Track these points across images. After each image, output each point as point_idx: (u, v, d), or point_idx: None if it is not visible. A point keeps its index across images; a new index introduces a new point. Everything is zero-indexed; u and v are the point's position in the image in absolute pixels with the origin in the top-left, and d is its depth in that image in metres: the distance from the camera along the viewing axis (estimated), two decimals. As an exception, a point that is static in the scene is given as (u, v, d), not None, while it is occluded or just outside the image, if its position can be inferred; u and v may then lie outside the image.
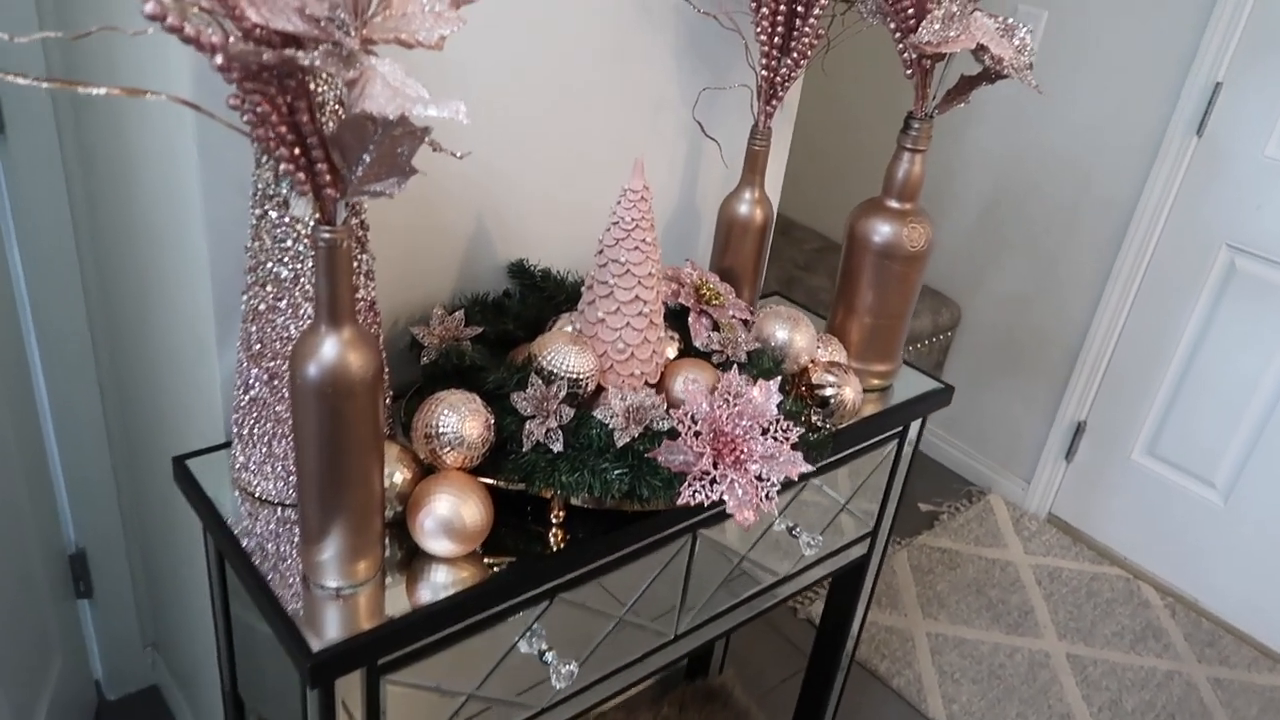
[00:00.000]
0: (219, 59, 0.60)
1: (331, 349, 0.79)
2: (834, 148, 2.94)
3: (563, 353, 1.03)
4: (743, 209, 1.32)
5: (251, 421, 0.97)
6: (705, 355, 1.20)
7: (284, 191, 0.84)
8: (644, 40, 1.25)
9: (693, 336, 1.21)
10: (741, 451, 0.99)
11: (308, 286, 0.91)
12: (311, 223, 0.74)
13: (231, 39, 0.61)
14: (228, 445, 1.06)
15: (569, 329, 1.12)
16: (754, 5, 1.21)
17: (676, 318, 1.23)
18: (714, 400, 1.00)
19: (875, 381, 1.37)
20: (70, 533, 1.61)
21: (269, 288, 0.91)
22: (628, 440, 0.98)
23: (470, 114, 1.14)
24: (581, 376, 1.03)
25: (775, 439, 1.00)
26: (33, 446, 1.47)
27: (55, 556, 1.58)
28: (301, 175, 0.71)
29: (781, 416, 1.01)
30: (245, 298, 0.93)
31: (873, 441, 1.36)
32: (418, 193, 1.13)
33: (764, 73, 1.24)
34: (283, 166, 0.70)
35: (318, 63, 0.62)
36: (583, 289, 1.10)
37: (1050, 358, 2.58)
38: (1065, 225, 2.47)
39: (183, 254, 1.07)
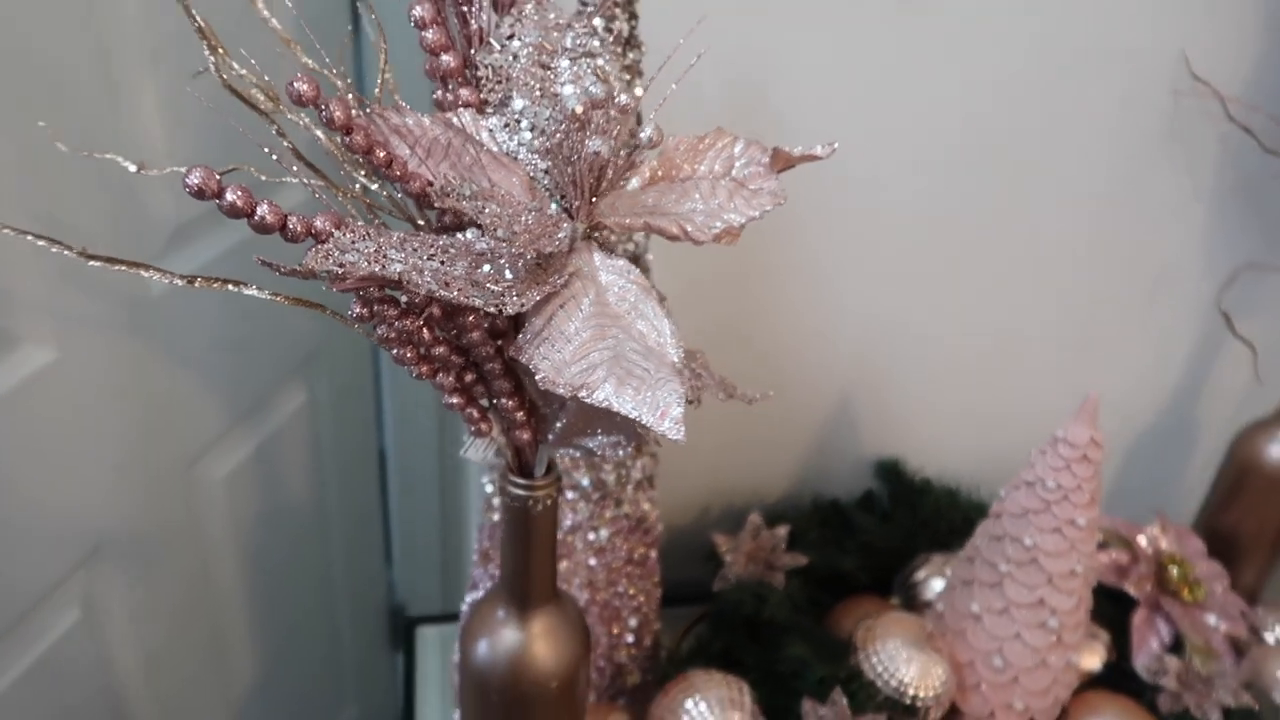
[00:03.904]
0: (307, 260, 0.36)
1: (511, 640, 0.54)
2: None
3: (897, 657, 0.67)
4: (1273, 452, 0.84)
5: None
6: (1144, 686, 0.76)
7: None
8: (1154, 175, 0.82)
9: (1133, 650, 0.77)
10: None
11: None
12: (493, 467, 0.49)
13: (336, 231, 0.37)
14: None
15: (926, 614, 0.74)
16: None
17: (1110, 602, 0.80)
18: None
19: None
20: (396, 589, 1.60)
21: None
22: None
23: (841, 240, 0.81)
24: (918, 700, 0.67)
25: None
26: (374, 515, 1.47)
27: (378, 610, 1.58)
28: (474, 412, 0.46)
29: None
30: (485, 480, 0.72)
31: None
32: (761, 346, 0.84)
33: (1363, 256, 0.76)
34: (444, 399, 0.45)
35: (457, 291, 0.35)
36: (957, 558, 0.73)
37: None
38: None
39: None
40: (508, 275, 0.38)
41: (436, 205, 0.36)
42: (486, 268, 0.38)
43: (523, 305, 0.37)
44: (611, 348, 0.38)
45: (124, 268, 0.39)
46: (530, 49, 0.45)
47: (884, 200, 0.79)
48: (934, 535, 0.86)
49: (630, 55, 0.57)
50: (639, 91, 0.58)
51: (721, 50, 0.71)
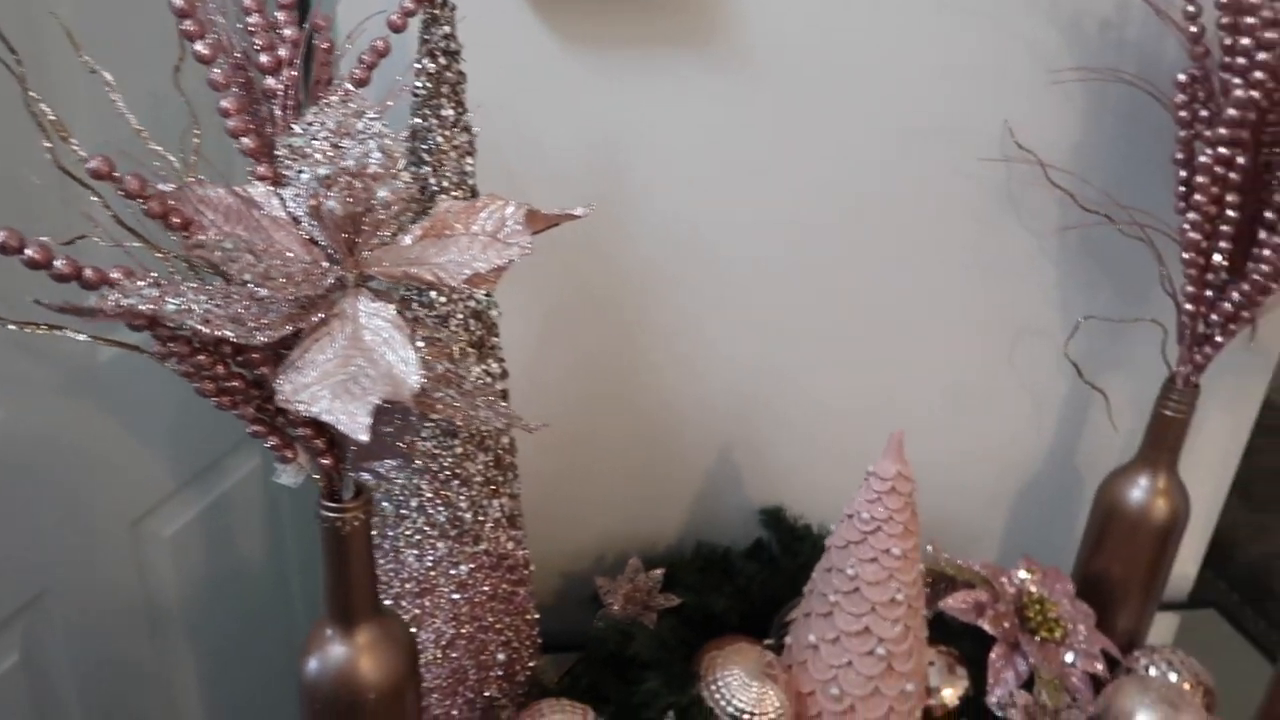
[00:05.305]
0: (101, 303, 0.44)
1: (336, 655, 0.60)
2: None
3: (735, 685, 0.72)
4: (1134, 496, 0.88)
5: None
6: (1000, 721, 0.79)
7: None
8: (1007, 238, 0.89)
9: (989, 685, 0.80)
10: None
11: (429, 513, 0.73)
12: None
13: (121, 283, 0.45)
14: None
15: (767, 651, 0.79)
16: (1182, 202, 0.79)
17: (977, 642, 0.83)
18: None
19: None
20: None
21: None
22: None
23: (718, 302, 0.88)
24: (757, 727, 0.71)
25: None
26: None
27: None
28: (277, 440, 0.53)
29: None
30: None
31: None
32: (644, 406, 0.91)
33: (1189, 306, 0.81)
34: (247, 428, 0.53)
35: (214, 327, 0.43)
36: (804, 591, 0.78)
37: None
38: None
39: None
40: (270, 315, 0.46)
41: (190, 255, 0.44)
42: (255, 308, 0.46)
43: (270, 338, 0.44)
44: (351, 374, 0.45)
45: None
46: (328, 132, 0.54)
47: (753, 263, 0.87)
48: (814, 580, 0.90)
49: (461, 137, 0.66)
50: (469, 166, 0.67)
51: (577, 121, 0.80)
